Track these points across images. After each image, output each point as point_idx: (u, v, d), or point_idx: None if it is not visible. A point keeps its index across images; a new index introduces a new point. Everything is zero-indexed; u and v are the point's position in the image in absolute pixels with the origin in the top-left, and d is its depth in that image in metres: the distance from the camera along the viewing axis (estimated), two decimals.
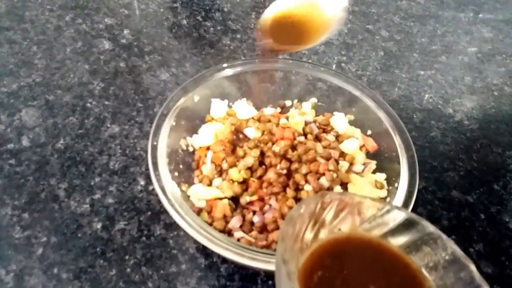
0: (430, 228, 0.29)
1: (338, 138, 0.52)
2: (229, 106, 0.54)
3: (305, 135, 0.51)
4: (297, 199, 0.45)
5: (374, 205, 0.32)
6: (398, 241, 0.31)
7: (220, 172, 0.47)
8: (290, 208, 0.44)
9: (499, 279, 0.46)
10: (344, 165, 0.47)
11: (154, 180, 0.41)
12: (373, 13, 0.85)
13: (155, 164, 0.42)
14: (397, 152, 0.47)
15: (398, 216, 0.31)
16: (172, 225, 0.47)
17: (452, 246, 0.28)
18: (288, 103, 0.57)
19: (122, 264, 0.43)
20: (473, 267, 0.27)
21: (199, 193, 0.45)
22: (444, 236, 0.29)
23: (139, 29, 0.74)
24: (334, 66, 0.72)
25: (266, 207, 0.45)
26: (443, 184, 0.55)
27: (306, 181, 0.45)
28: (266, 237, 0.42)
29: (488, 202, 0.53)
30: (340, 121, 0.53)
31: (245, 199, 0.45)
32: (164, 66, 0.67)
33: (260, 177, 0.46)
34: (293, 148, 0.48)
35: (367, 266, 0.30)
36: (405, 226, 0.31)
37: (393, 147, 0.48)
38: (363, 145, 0.52)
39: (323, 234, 0.31)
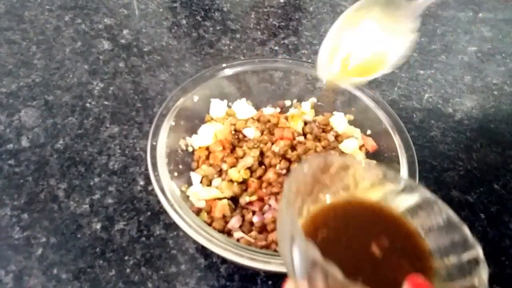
0: (427, 194, 0.30)
1: (338, 138, 0.52)
2: (229, 106, 0.54)
3: (304, 135, 0.51)
4: None
5: (375, 169, 0.32)
6: (397, 205, 0.31)
7: (220, 172, 0.47)
8: None
9: (499, 279, 0.46)
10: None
11: (153, 180, 0.41)
12: None
13: (154, 164, 0.42)
14: (396, 151, 0.47)
15: (397, 182, 0.32)
16: (171, 225, 0.47)
17: (447, 211, 0.28)
18: (287, 103, 0.57)
19: (122, 265, 0.43)
20: (466, 229, 0.27)
21: (199, 193, 0.45)
22: (439, 201, 0.29)
23: (138, 29, 0.74)
24: None
25: (266, 207, 0.45)
26: (443, 184, 0.55)
27: None
28: (265, 237, 0.42)
29: (488, 201, 0.53)
30: (339, 121, 0.53)
31: (244, 199, 0.45)
32: (164, 66, 0.67)
33: (259, 177, 0.46)
34: (293, 148, 0.48)
35: (368, 227, 0.30)
36: (404, 191, 0.31)
37: (392, 147, 0.47)
38: (363, 145, 0.52)
39: (324, 196, 0.32)
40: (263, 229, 0.43)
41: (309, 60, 0.71)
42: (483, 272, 0.24)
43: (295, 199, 0.29)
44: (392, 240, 0.29)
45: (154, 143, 0.44)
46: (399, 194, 0.31)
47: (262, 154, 0.48)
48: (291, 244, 0.24)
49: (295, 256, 0.24)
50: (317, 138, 0.51)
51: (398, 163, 0.46)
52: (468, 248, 0.26)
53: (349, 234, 0.29)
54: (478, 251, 0.25)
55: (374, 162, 0.47)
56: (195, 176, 0.47)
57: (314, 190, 0.31)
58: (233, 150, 0.49)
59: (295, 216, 0.28)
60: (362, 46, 0.39)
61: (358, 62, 0.39)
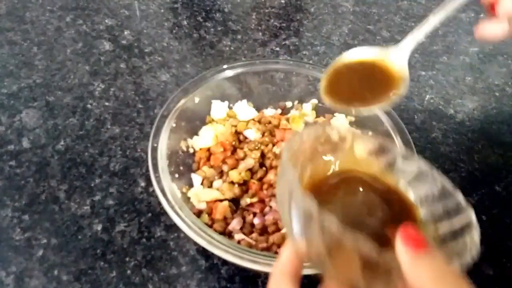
0: (423, 164, 0.30)
1: None
2: (230, 108, 0.54)
3: None
4: None
5: (372, 140, 0.32)
6: (394, 176, 0.32)
7: (221, 174, 0.47)
8: None
9: (500, 281, 0.46)
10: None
11: (154, 181, 0.41)
12: (374, 13, 0.85)
13: (155, 165, 0.42)
14: None
15: (394, 153, 0.32)
16: (172, 227, 0.47)
17: (442, 180, 0.29)
18: (288, 104, 0.57)
19: (123, 266, 0.43)
20: (459, 195, 0.27)
21: (199, 195, 0.45)
22: (435, 171, 0.29)
23: (139, 30, 0.74)
24: None
25: (267, 209, 0.45)
26: None
27: None
28: (266, 239, 0.42)
29: (490, 203, 0.53)
30: (340, 122, 0.53)
31: (245, 201, 0.45)
32: (165, 67, 0.67)
33: (260, 179, 0.46)
34: None
35: (364, 196, 0.31)
36: (401, 162, 0.32)
37: None
38: None
39: (323, 165, 0.32)
40: (264, 231, 0.43)
41: (310, 61, 0.71)
42: (475, 233, 0.25)
43: (294, 162, 0.29)
44: (386, 209, 0.29)
45: (155, 145, 0.44)
46: (396, 166, 0.32)
47: (263, 155, 0.48)
48: (289, 200, 0.24)
49: (293, 212, 0.24)
50: None
51: None
52: (461, 212, 0.27)
53: (344, 201, 0.30)
54: (470, 214, 0.26)
55: (370, 133, 0.46)
56: (196, 178, 0.47)
57: (312, 158, 0.31)
58: (234, 151, 0.49)
59: (294, 174, 0.28)
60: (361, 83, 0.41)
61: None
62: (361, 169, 0.32)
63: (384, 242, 0.24)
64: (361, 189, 0.31)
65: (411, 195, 0.31)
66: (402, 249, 0.21)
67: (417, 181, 0.31)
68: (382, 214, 0.29)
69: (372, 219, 0.28)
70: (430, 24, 0.41)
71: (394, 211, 0.30)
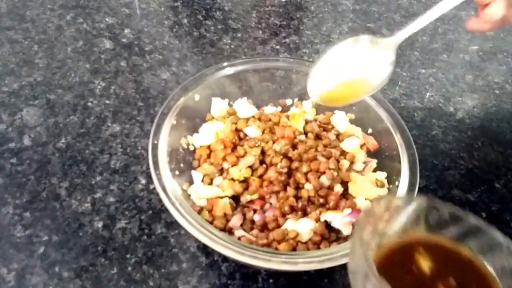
0: (499, 236, 0.30)
1: (339, 136, 0.52)
2: (230, 105, 0.54)
3: (305, 133, 0.51)
4: (298, 198, 0.45)
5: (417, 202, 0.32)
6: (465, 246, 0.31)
7: (221, 171, 0.47)
8: (291, 206, 0.44)
9: None
10: (344, 163, 0.47)
11: (155, 179, 0.41)
12: (374, 11, 0.85)
13: (155, 163, 0.42)
14: (397, 150, 0.47)
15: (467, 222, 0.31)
16: (173, 224, 0.47)
17: None
18: (288, 101, 0.57)
19: (123, 263, 0.43)
20: None
21: (200, 192, 0.45)
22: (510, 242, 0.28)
23: (140, 28, 0.74)
24: None
25: (267, 205, 0.45)
26: (444, 183, 0.55)
27: (307, 180, 0.45)
28: (266, 236, 0.42)
29: (489, 200, 0.53)
30: (340, 119, 0.53)
31: (245, 197, 0.45)
32: (165, 65, 0.67)
33: (260, 176, 0.46)
34: (294, 146, 0.48)
35: (437, 268, 0.30)
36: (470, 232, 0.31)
37: (393, 146, 0.47)
38: (364, 144, 0.52)
39: (387, 239, 0.32)
40: (264, 227, 0.43)
41: (310, 59, 0.71)
42: None
43: (368, 237, 0.29)
44: (461, 282, 0.28)
45: (156, 142, 0.44)
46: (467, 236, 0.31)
47: (263, 152, 0.48)
48: (364, 280, 0.25)
49: None
50: (318, 137, 0.52)
51: (399, 162, 0.46)
52: None
53: (416, 274, 0.29)
54: None
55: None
56: (196, 175, 0.47)
57: (382, 228, 0.31)
58: (234, 149, 0.49)
59: (369, 254, 0.28)
60: (347, 72, 0.46)
61: (342, 85, 0.46)
62: (435, 238, 0.32)
63: None
64: (433, 262, 0.30)
65: (488, 266, 0.30)
66: None
67: (491, 251, 0.30)
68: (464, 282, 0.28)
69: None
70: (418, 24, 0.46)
71: (469, 284, 0.29)
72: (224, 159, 0.48)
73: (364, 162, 0.49)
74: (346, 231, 0.42)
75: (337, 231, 0.43)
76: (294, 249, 0.41)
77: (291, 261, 0.36)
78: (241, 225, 0.44)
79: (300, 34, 0.78)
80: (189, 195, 0.45)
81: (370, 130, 0.53)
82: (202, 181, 0.47)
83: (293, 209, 0.44)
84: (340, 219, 0.42)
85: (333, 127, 0.53)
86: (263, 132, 0.50)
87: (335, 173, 0.45)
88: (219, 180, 0.47)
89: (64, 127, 0.56)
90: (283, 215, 0.44)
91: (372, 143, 0.51)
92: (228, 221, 0.44)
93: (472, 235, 0.31)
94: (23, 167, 0.51)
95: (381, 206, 0.31)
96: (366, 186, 0.46)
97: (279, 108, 0.56)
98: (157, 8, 0.79)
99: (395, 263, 0.30)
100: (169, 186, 0.41)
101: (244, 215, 0.45)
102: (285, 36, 0.76)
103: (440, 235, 0.32)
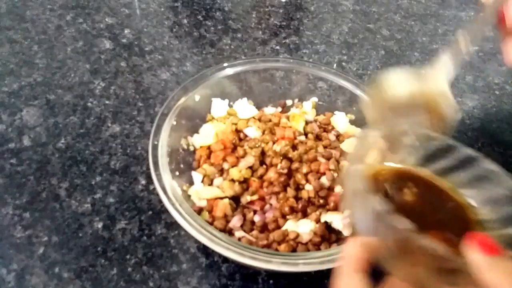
0: (488, 164, 0.30)
1: (339, 137, 0.52)
2: (230, 106, 0.54)
3: (305, 134, 0.51)
4: (298, 199, 0.45)
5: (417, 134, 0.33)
6: (451, 177, 0.32)
7: (221, 172, 0.47)
8: (291, 207, 0.44)
9: None
10: (345, 164, 0.47)
11: (155, 179, 0.41)
12: (374, 12, 0.85)
13: (155, 163, 0.42)
14: None
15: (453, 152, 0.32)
16: (173, 225, 0.47)
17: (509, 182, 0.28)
18: (288, 102, 0.57)
19: (123, 264, 0.43)
20: None
21: (200, 193, 0.45)
22: (503, 172, 0.29)
23: (139, 28, 0.74)
24: (335, 65, 0.72)
25: (267, 206, 0.45)
26: None
27: (307, 181, 0.45)
28: (266, 237, 0.42)
29: None
30: (341, 120, 0.53)
31: (245, 198, 0.45)
32: (165, 65, 0.67)
33: (260, 177, 0.46)
34: (294, 147, 0.48)
35: (422, 197, 0.31)
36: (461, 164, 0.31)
37: None
38: None
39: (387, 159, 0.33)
40: (264, 228, 0.43)
41: (310, 60, 0.71)
42: None
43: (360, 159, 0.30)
44: (442, 209, 0.30)
45: (156, 143, 0.44)
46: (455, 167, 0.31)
47: (263, 153, 0.48)
48: (361, 200, 0.26)
49: (364, 211, 0.26)
50: (318, 138, 0.51)
51: None
52: None
53: (404, 200, 0.30)
54: None
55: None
56: (196, 176, 0.47)
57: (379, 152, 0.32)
58: (234, 149, 0.49)
59: (363, 173, 0.29)
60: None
61: None
62: (412, 169, 0.33)
63: (448, 243, 0.24)
64: (417, 188, 0.31)
65: (469, 196, 0.31)
66: (478, 256, 0.22)
67: (478, 181, 0.30)
68: (441, 215, 0.29)
69: (433, 219, 0.29)
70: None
71: (448, 212, 0.30)
72: (224, 159, 0.48)
73: None
74: (346, 232, 0.42)
75: (338, 232, 0.43)
76: (294, 250, 0.41)
77: (291, 262, 0.36)
78: (241, 226, 0.44)
79: (300, 34, 0.78)
80: (189, 196, 0.45)
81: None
82: (202, 181, 0.47)
83: (293, 210, 0.44)
84: (340, 220, 0.42)
85: (333, 128, 0.53)
86: (263, 133, 0.50)
87: (335, 174, 0.45)
88: (219, 180, 0.47)
89: (64, 128, 0.56)
90: (283, 216, 0.44)
91: None
92: (228, 222, 0.44)
93: (460, 168, 0.31)
94: (23, 168, 0.51)
95: (376, 135, 0.32)
96: None
97: (279, 109, 0.56)
98: (157, 8, 0.79)
99: (380, 189, 0.31)
100: (169, 187, 0.41)
101: (244, 216, 0.44)
102: (285, 37, 0.76)
103: (426, 169, 0.32)
